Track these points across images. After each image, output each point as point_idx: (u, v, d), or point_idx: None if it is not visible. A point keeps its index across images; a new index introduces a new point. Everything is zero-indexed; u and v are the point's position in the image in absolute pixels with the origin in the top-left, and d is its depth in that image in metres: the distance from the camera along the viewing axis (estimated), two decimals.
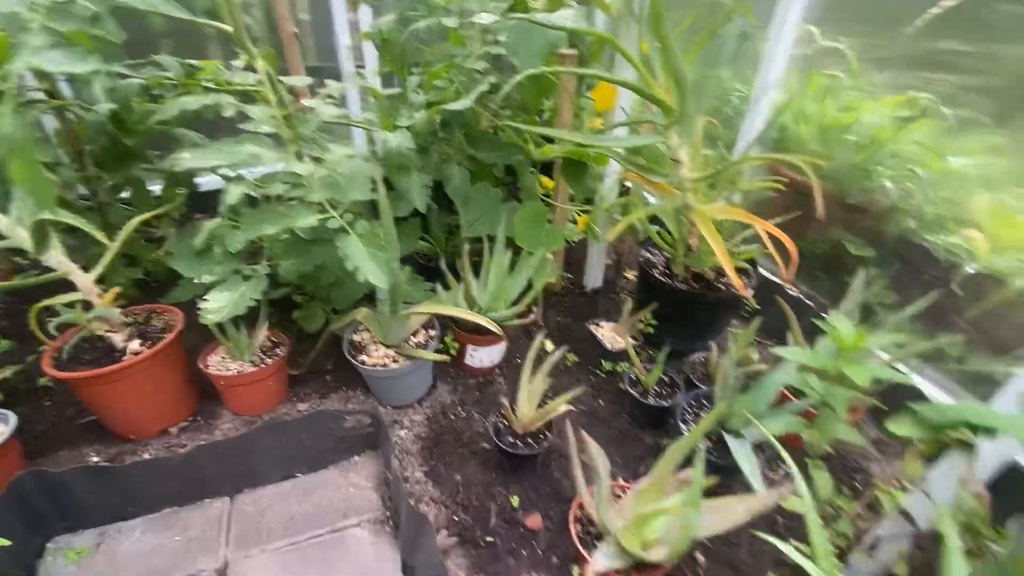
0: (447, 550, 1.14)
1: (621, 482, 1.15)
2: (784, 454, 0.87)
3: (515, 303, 1.55)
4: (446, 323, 1.59)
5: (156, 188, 1.66)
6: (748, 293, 1.46)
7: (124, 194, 1.65)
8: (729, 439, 1.17)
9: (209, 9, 1.21)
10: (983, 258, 1.38)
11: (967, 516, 0.74)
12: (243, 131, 1.26)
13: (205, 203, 1.69)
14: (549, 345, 1.76)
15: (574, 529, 1.05)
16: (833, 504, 1.13)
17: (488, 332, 1.54)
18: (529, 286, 1.56)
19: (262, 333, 1.45)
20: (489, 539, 1.17)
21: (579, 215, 1.72)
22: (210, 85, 1.41)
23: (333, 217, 1.22)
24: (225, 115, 1.34)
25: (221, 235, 1.31)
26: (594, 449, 0.95)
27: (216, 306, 1.24)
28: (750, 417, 1.11)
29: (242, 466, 1.31)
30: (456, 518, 1.21)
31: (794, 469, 0.85)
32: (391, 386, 1.42)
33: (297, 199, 1.29)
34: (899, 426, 0.68)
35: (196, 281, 1.34)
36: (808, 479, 0.93)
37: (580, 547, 1.02)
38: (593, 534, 1.06)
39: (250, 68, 1.35)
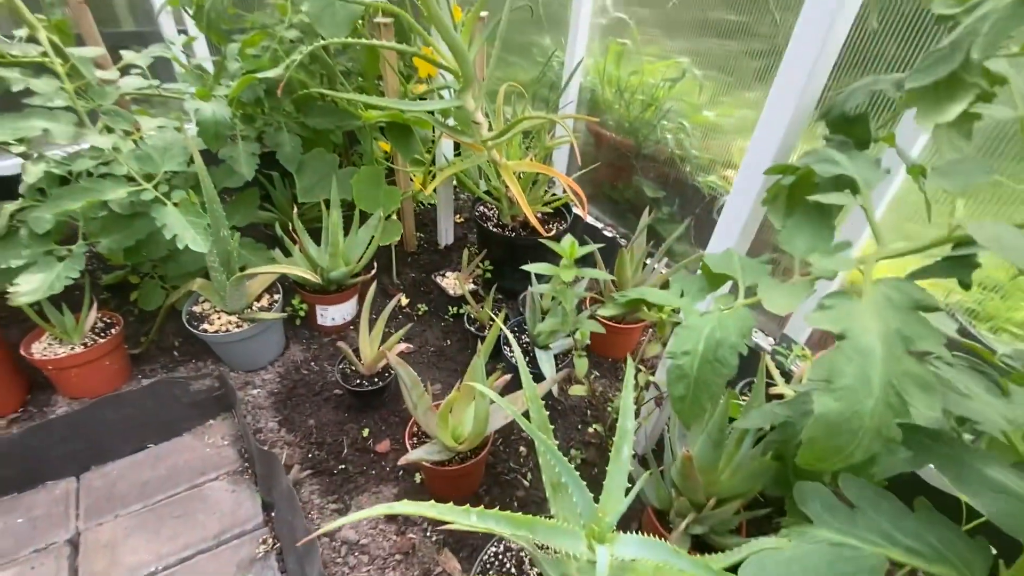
0: (300, 481, 1.28)
1: None
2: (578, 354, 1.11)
3: (367, 263, 1.67)
4: (291, 287, 1.67)
5: None
6: (549, 233, 1.70)
7: None
8: (537, 350, 1.42)
9: None
10: None
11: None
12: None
13: (10, 189, 1.57)
14: (404, 300, 1.91)
15: (410, 442, 1.24)
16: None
17: (334, 291, 1.65)
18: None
19: (91, 314, 1.44)
20: (342, 466, 1.33)
21: (414, 177, 1.86)
22: None
23: (146, 189, 1.24)
24: (14, 90, 1.27)
25: (25, 217, 1.27)
26: (406, 373, 1.13)
27: (28, 288, 1.21)
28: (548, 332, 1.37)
29: (85, 444, 1.32)
30: (310, 455, 1.34)
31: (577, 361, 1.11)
32: (238, 351, 1.49)
33: (109, 174, 1.29)
34: (605, 309, 0.92)
35: (2, 266, 1.29)
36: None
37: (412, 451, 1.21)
38: (426, 441, 1.25)
39: (33, 39, 1.29)
